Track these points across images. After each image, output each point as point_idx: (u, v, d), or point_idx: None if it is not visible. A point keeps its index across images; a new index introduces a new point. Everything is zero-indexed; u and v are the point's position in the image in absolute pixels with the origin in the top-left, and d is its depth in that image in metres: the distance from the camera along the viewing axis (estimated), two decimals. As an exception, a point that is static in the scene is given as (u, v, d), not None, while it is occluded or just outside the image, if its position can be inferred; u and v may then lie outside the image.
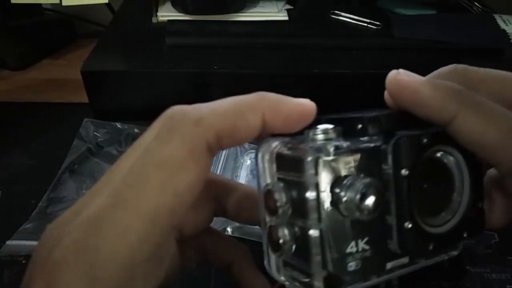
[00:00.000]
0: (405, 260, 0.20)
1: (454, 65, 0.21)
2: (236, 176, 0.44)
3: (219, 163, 0.45)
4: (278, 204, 0.18)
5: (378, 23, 0.57)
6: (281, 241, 0.18)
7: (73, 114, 0.53)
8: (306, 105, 0.19)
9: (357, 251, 0.18)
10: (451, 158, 0.20)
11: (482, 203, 0.21)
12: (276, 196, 0.18)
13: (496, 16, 0.59)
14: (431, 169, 0.20)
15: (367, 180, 0.17)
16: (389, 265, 0.19)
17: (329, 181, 0.17)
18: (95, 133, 0.49)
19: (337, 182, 0.17)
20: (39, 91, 0.59)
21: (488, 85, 0.20)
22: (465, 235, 0.20)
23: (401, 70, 0.20)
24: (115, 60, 0.53)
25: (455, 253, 0.22)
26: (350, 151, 0.18)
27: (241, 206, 0.23)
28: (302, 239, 0.18)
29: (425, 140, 0.19)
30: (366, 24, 0.58)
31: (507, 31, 0.55)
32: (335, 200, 0.17)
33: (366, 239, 0.18)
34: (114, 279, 0.15)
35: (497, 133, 0.18)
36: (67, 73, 0.62)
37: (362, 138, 0.19)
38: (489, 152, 0.18)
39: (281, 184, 0.18)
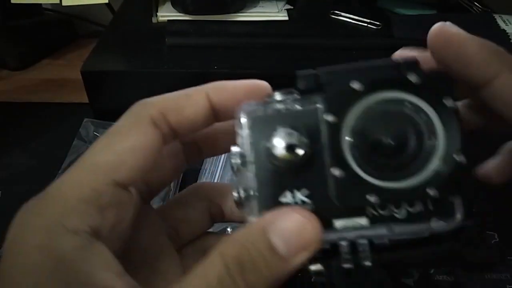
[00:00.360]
0: (362, 221, 0.18)
1: None
2: (236, 176, 0.44)
3: (219, 163, 0.45)
4: (232, 164, 0.19)
5: (378, 23, 0.57)
6: (237, 199, 0.19)
7: (73, 114, 0.53)
8: (253, 81, 0.21)
9: (295, 203, 0.18)
10: (414, 108, 0.18)
11: (466, 158, 0.17)
12: (232, 156, 0.19)
13: (496, 16, 0.59)
14: (395, 122, 0.18)
15: (289, 130, 0.18)
16: (338, 223, 0.18)
17: (259, 136, 0.19)
18: (95, 133, 0.49)
19: (266, 135, 0.18)
20: (39, 91, 0.59)
21: None
22: (435, 194, 0.17)
23: (448, 22, 0.20)
24: (115, 60, 0.53)
25: (439, 224, 0.18)
26: (285, 108, 0.19)
27: (211, 139, 0.24)
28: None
29: (358, 86, 0.18)
30: (366, 24, 0.58)
31: (507, 31, 0.55)
32: (264, 152, 0.18)
33: (305, 191, 0.18)
34: (54, 213, 0.17)
35: None
36: (67, 73, 0.62)
37: (315, 96, 0.19)
38: None
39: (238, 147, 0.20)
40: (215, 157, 0.46)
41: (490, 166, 0.24)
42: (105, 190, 0.18)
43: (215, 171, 0.44)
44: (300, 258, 0.17)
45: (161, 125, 0.20)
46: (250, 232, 0.17)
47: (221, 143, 0.24)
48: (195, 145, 0.24)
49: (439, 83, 0.18)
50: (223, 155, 0.46)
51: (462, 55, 0.19)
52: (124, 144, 0.19)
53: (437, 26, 0.20)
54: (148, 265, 0.21)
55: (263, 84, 0.21)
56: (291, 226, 0.17)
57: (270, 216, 0.18)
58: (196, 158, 0.25)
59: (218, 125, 0.22)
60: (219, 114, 0.21)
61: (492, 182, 0.24)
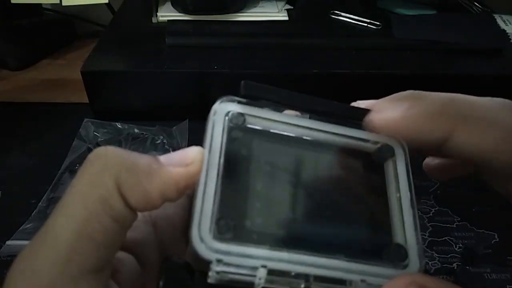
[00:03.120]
0: None
1: (410, 91, 0.20)
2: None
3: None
4: None
5: (378, 23, 0.57)
6: None
7: (73, 114, 0.53)
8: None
9: None
10: None
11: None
12: None
13: (496, 16, 0.59)
14: None
15: None
16: None
17: None
18: (95, 133, 0.49)
19: None
20: (39, 91, 0.59)
21: None
22: None
23: (373, 110, 0.19)
24: (115, 60, 0.53)
25: None
26: None
27: None
28: None
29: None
30: (366, 24, 0.58)
31: (507, 31, 0.55)
32: None
33: None
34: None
35: (496, 137, 0.18)
36: (67, 73, 0.62)
37: None
38: (490, 159, 0.18)
39: None
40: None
41: (433, 164, 0.24)
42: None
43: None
44: None
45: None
46: None
47: None
48: None
49: None
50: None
51: (405, 132, 0.18)
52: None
53: (367, 118, 0.19)
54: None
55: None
56: None
57: None
58: None
59: None
60: None
61: (435, 177, 0.25)
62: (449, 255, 0.37)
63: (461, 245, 0.38)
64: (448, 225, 0.40)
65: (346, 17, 0.59)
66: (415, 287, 0.16)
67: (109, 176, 0.16)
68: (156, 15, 0.59)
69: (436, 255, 0.37)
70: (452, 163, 0.24)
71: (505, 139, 0.18)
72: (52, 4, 0.68)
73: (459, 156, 0.18)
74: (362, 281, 0.17)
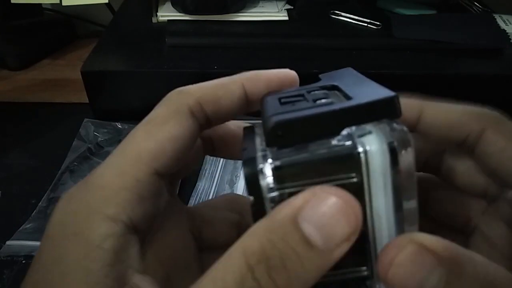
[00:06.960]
0: None
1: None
2: (236, 176, 0.44)
3: (219, 163, 0.45)
4: None
5: (378, 23, 0.57)
6: None
7: (73, 114, 0.53)
8: (284, 71, 0.22)
9: None
10: None
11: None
12: None
13: (496, 16, 0.59)
14: None
15: None
16: None
17: None
18: (95, 133, 0.49)
19: None
20: (39, 91, 0.59)
21: None
22: None
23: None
24: (115, 60, 0.53)
25: None
26: None
27: (226, 141, 0.24)
28: None
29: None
30: (366, 24, 0.58)
31: (507, 31, 0.55)
32: None
33: None
34: (95, 200, 0.17)
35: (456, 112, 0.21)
36: (67, 73, 0.62)
37: None
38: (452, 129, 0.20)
39: None
40: (215, 158, 0.46)
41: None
42: (147, 180, 0.17)
43: (215, 171, 0.44)
44: (340, 251, 0.14)
45: (198, 114, 0.19)
46: (276, 221, 0.14)
47: (234, 150, 0.23)
48: (211, 141, 0.24)
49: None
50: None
51: (447, 132, 0.21)
52: (164, 133, 0.18)
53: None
54: (170, 259, 0.20)
55: (292, 73, 0.22)
56: (328, 211, 0.14)
57: (300, 199, 0.14)
58: (209, 153, 0.24)
59: (235, 130, 0.23)
60: (252, 103, 0.21)
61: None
62: (449, 255, 0.37)
63: (461, 245, 0.38)
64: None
65: (346, 17, 0.59)
66: (414, 246, 0.14)
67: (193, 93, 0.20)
68: (156, 15, 0.59)
69: (436, 255, 0.37)
70: None
71: (463, 114, 0.20)
72: (52, 4, 0.69)
73: (485, 159, 0.20)
74: None
